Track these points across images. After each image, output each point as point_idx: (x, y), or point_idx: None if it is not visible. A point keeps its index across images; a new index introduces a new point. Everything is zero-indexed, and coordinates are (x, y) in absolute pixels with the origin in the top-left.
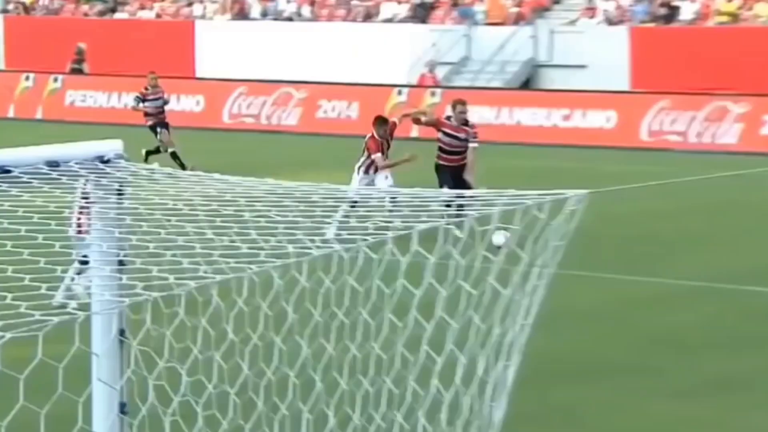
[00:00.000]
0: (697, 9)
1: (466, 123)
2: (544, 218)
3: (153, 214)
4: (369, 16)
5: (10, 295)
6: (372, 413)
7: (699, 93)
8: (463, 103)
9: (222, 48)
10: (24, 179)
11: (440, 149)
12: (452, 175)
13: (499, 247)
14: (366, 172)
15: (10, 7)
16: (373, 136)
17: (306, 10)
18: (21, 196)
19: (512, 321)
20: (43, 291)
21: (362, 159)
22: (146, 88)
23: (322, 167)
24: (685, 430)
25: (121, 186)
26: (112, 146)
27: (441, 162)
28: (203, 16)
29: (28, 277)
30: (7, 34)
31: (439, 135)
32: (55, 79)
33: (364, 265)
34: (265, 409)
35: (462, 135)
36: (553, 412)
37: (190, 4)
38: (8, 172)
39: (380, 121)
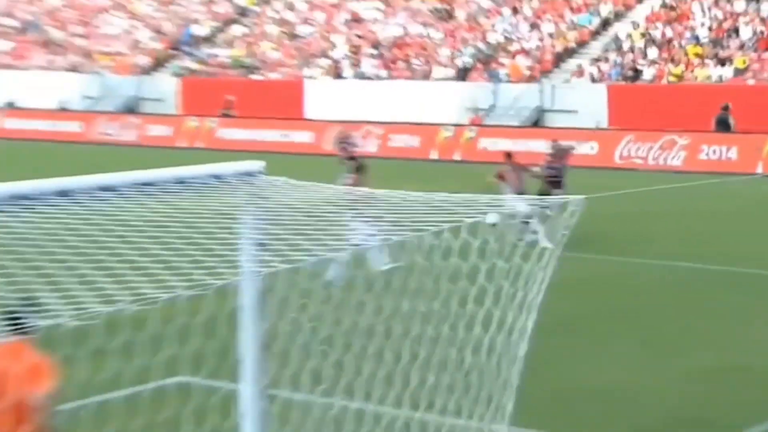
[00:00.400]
0: (654, 72)
1: (561, 153)
2: (553, 215)
3: (285, 212)
4: (426, 76)
5: (188, 265)
6: (434, 350)
7: (655, 130)
8: (556, 141)
9: (324, 98)
10: (195, 186)
11: (545, 177)
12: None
13: (493, 224)
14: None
15: (182, 71)
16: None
17: (383, 72)
18: (192, 198)
19: (531, 287)
20: (207, 264)
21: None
22: (342, 134)
23: (394, 181)
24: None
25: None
26: (256, 165)
27: (545, 185)
28: (311, 77)
29: (199, 253)
30: (184, 90)
31: (543, 170)
32: (213, 121)
33: (428, 248)
34: (359, 349)
35: (558, 165)
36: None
37: (301, 68)
38: (183, 182)
39: (506, 155)
